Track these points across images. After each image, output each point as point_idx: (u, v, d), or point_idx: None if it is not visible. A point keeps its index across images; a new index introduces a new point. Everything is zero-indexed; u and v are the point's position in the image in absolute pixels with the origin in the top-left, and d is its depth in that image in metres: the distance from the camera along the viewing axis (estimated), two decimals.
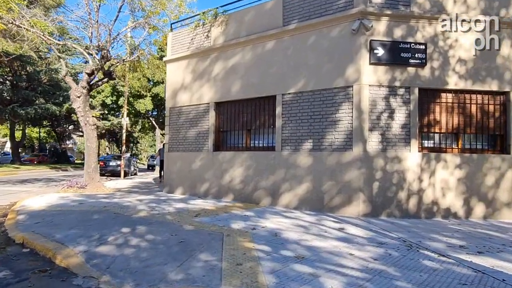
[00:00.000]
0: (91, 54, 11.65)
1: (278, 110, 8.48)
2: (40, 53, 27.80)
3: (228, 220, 6.48)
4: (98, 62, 11.41)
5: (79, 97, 10.89)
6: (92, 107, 33.17)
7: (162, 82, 24.59)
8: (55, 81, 24.91)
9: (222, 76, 9.62)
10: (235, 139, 9.53)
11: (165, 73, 24.84)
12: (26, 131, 42.92)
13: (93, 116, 11.17)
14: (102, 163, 21.80)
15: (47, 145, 44.56)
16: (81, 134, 50.49)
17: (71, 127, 41.78)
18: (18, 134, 48.65)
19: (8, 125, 32.06)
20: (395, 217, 7.17)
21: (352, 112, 7.35)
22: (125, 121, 17.51)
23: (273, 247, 4.60)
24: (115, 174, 20.83)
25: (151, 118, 28.01)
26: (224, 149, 9.68)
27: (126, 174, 21.20)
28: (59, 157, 32.90)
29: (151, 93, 24.59)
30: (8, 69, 26.03)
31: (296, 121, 8.19)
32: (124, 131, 17.78)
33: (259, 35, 8.81)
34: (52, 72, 25.43)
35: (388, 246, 4.83)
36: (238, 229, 5.72)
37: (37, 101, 25.98)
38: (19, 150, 29.76)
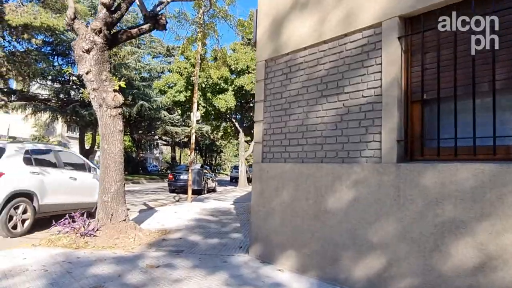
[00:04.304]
0: None
1: None
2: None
3: None
4: None
5: (88, 51, 5.46)
6: (169, 110, 29.21)
7: (248, 71, 19.03)
8: (126, 77, 21.12)
9: None
10: (476, 125, 2.88)
11: (252, 59, 19.19)
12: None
13: (115, 90, 5.64)
14: (171, 177, 16.99)
15: (133, 154, 43.32)
16: (165, 142, 48.10)
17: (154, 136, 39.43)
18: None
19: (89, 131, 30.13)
20: None
21: None
22: (195, 116, 12.04)
23: None
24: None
25: (233, 120, 22.77)
26: (435, 156, 3.07)
27: (200, 192, 16.02)
28: (134, 166, 29.89)
29: (233, 86, 19.21)
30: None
31: None
32: (193, 131, 12.33)
33: None
34: (123, 67, 21.91)
35: None
36: None
37: None
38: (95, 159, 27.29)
